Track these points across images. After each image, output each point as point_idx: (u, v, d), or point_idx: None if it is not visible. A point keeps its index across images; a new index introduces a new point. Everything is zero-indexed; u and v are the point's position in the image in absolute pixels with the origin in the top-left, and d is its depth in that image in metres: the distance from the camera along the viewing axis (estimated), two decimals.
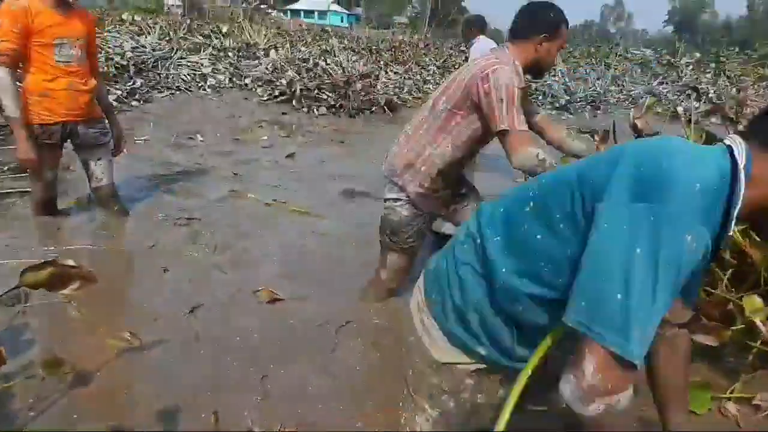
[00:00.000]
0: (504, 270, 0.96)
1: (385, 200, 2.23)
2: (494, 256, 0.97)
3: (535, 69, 2.07)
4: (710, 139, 2.78)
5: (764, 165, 0.83)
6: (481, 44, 4.30)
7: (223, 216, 3.40)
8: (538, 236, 0.91)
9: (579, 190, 0.86)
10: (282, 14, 58.39)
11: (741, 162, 0.83)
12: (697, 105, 9.99)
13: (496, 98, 1.84)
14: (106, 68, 6.62)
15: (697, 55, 13.98)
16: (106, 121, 3.15)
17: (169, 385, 1.78)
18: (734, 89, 10.97)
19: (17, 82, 2.76)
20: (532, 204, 0.95)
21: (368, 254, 2.66)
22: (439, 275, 1.10)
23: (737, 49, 17.65)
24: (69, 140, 2.96)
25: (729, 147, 0.85)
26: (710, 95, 10.82)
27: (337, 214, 3.65)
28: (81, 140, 2.99)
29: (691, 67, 12.46)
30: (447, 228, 2.78)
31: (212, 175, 4.26)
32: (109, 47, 7.39)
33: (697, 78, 11.73)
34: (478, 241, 1.02)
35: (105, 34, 7.83)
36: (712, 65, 12.77)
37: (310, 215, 3.56)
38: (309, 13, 58.77)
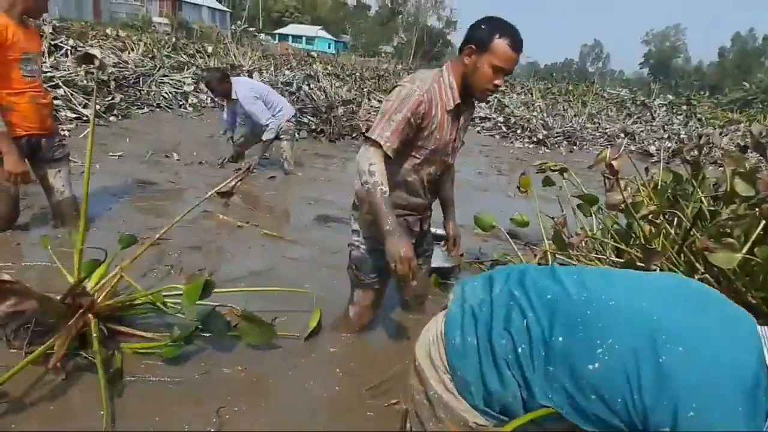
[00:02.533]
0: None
1: (351, 233, 2.21)
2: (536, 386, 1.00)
3: (468, 86, 1.90)
4: (678, 179, 2.86)
5: None
6: None
7: (193, 237, 3.34)
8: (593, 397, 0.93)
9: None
10: (270, 38, 59.14)
11: None
12: (669, 146, 10.30)
13: (382, 109, 1.84)
14: (85, 82, 6.55)
15: (670, 97, 14.51)
16: (60, 134, 3.13)
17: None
18: (696, 132, 11.38)
19: None
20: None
21: (339, 283, 2.63)
22: (469, 358, 1.08)
23: (708, 93, 18.41)
24: (33, 154, 2.90)
25: None
26: (681, 136, 11.19)
27: (310, 239, 3.61)
28: (43, 154, 2.95)
29: (664, 108, 12.93)
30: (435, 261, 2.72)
31: (185, 195, 4.20)
32: None
33: (669, 119, 12.16)
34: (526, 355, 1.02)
35: (87, 48, 7.77)
36: (684, 108, 13.26)
37: (282, 239, 3.52)
38: (297, 38, 59.50)
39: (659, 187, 2.83)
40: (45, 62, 2.36)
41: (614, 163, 2.42)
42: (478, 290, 1.15)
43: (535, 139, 9.87)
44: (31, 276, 2.62)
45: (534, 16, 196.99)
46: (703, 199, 2.62)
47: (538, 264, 2.63)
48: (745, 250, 1.73)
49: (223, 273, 2.90)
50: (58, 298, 1.90)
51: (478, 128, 11.07)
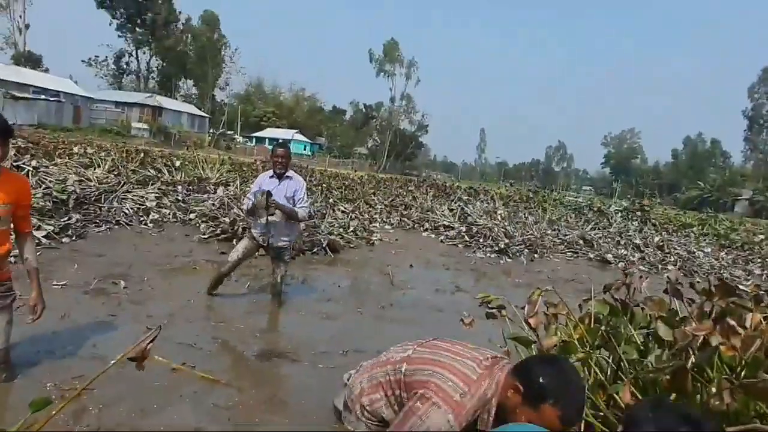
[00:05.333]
0: None
1: None
2: None
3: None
4: (613, 312, 2.89)
5: None
6: None
7: (119, 386, 3.15)
8: None
9: None
10: (248, 140, 61.45)
11: None
12: (625, 253, 10.62)
13: None
14: (42, 203, 6.55)
15: (624, 204, 15.26)
16: (9, 282, 3.03)
17: None
18: (651, 239, 11.79)
19: None
20: None
21: None
22: None
23: (663, 194, 19.52)
24: None
25: None
26: (636, 242, 11.59)
27: (249, 381, 3.47)
28: None
29: (619, 215, 13.54)
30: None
31: (123, 330, 4.04)
32: (51, 180, 7.40)
33: (625, 226, 12.68)
34: None
35: (49, 167, 7.87)
36: (638, 213, 13.91)
37: (218, 383, 3.36)
38: (273, 140, 61.78)
39: (592, 324, 2.86)
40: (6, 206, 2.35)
41: (531, 321, 2.47)
42: None
43: (497, 248, 10.08)
44: None
45: (501, 118, 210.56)
46: (636, 336, 2.66)
47: None
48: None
49: None
50: None
51: (442, 237, 11.30)
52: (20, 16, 53.76)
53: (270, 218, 4.73)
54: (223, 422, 2.92)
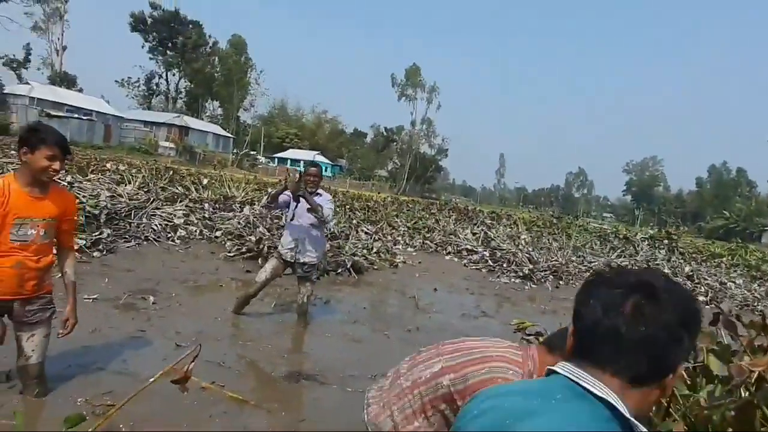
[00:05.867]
0: None
1: None
2: None
3: None
4: None
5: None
6: None
7: (149, 403, 3.13)
8: None
9: None
10: (270, 161, 62.32)
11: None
12: None
13: None
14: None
15: (651, 231, 14.94)
16: (50, 295, 3.06)
17: None
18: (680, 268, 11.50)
19: None
20: None
21: None
22: None
23: (687, 223, 19.09)
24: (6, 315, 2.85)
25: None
26: (666, 271, 11.29)
27: (279, 403, 3.42)
28: (15, 317, 2.88)
29: (646, 242, 13.25)
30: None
31: (153, 347, 4.04)
32: (84, 195, 7.56)
33: (652, 254, 12.39)
34: None
35: (83, 182, 8.05)
36: (665, 242, 13.60)
37: (248, 404, 3.32)
38: (295, 161, 62.58)
39: None
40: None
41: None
42: None
43: (521, 274, 9.92)
44: None
45: (521, 144, 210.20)
46: (682, 371, 2.55)
47: None
48: None
49: None
50: None
51: (465, 261, 11.18)
52: (58, 39, 56.08)
53: (299, 202, 4.89)
54: None
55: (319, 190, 5.05)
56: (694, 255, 13.97)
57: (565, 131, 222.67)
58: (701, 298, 9.87)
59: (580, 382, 0.87)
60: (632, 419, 0.84)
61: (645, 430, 0.84)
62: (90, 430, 2.23)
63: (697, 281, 10.96)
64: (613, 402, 0.84)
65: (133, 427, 2.85)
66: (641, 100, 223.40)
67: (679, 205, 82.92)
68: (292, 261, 4.98)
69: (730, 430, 1.94)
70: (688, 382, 2.64)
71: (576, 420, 0.82)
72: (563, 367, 0.92)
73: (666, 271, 11.26)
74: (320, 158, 64.71)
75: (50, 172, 2.76)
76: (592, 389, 0.85)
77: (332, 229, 9.18)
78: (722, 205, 65.63)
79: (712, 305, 8.48)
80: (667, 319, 0.87)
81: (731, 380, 2.16)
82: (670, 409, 2.45)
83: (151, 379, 2.42)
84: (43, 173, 2.75)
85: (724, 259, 14.64)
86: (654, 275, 0.94)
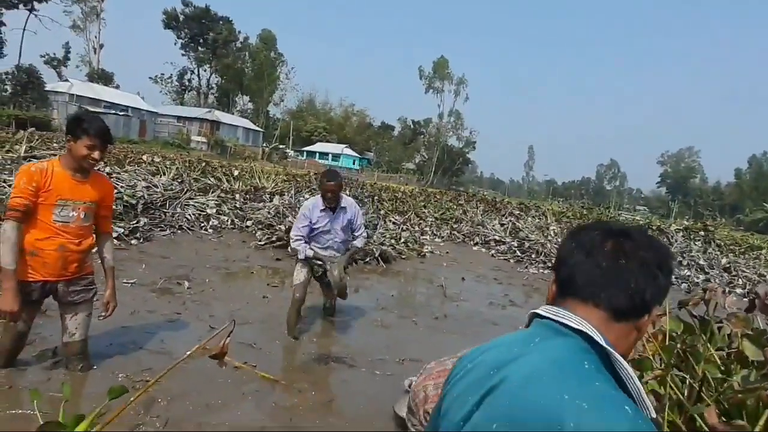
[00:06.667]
0: None
1: None
2: None
3: None
4: (688, 330, 2.74)
5: None
6: None
7: (185, 380, 3.27)
8: None
9: None
10: (299, 154, 62.97)
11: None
12: (688, 274, 10.10)
13: None
14: (113, 207, 6.92)
15: (686, 222, 14.51)
16: (92, 276, 3.21)
17: None
18: (716, 261, 11.14)
19: None
20: None
21: None
22: None
23: (725, 216, 18.43)
24: (50, 296, 3.01)
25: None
26: (701, 263, 10.99)
27: (308, 383, 3.51)
28: (60, 297, 3.04)
29: (680, 234, 12.88)
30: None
31: (188, 328, 4.20)
32: (122, 186, 7.84)
33: (687, 245, 12.05)
34: None
35: (121, 174, 8.34)
36: (701, 233, 13.19)
37: (279, 384, 3.42)
38: (324, 154, 63.12)
39: (667, 341, 2.73)
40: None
41: None
42: None
43: (549, 265, 9.81)
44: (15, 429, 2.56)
45: (551, 136, 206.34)
46: (715, 355, 2.52)
47: None
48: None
49: (208, 427, 2.79)
50: None
51: (493, 251, 11.12)
52: (95, 37, 57.86)
53: (334, 212, 4.41)
54: (285, 421, 2.96)
55: (342, 201, 4.48)
56: (731, 247, 13.53)
57: (597, 122, 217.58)
58: (738, 291, 9.57)
59: (558, 319, 0.91)
60: (609, 347, 0.87)
61: (621, 358, 0.88)
62: (132, 399, 2.38)
63: (734, 273, 10.63)
64: (587, 331, 0.88)
65: (170, 402, 2.98)
66: (677, 90, 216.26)
67: (716, 197, 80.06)
68: (319, 274, 4.59)
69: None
70: (722, 368, 2.60)
71: (552, 355, 0.86)
72: (545, 309, 0.96)
73: (701, 263, 10.95)
74: (348, 151, 65.00)
75: (90, 160, 2.91)
76: (568, 323, 0.90)
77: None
78: (762, 197, 62.98)
79: (750, 297, 8.20)
80: (644, 256, 0.93)
81: (767, 365, 2.13)
82: (702, 394, 2.43)
83: (188, 352, 2.54)
84: (83, 160, 2.90)
85: (764, 251, 14.12)
86: (632, 227, 1.00)
